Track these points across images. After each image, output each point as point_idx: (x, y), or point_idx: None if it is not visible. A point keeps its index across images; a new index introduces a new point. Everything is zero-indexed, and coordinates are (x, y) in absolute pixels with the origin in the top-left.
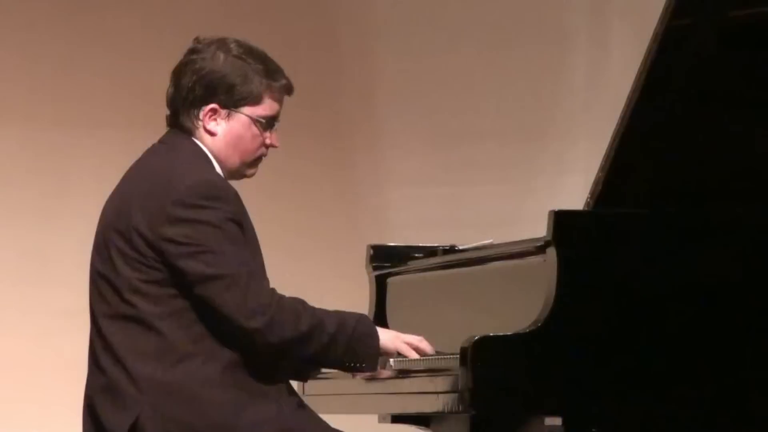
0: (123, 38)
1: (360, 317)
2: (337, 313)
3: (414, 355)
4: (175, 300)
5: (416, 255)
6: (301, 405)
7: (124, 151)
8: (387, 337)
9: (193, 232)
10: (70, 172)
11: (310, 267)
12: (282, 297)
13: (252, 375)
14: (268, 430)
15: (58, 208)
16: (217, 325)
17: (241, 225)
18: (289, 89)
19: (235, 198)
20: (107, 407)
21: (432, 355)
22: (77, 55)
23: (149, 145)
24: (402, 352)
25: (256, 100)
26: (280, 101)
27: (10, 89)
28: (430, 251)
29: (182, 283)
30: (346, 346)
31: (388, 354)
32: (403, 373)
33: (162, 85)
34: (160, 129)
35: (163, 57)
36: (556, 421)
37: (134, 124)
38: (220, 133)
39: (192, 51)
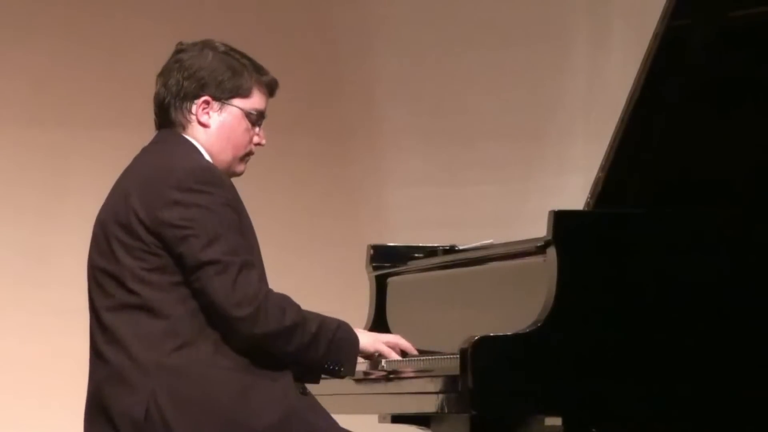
0: (123, 38)
1: (341, 323)
2: (319, 315)
3: (394, 356)
4: (179, 287)
5: (416, 255)
6: (305, 392)
7: (124, 151)
8: (366, 340)
9: (189, 215)
10: (70, 171)
11: (310, 267)
12: (270, 290)
13: (260, 359)
14: (275, 412)
15: (58, 208)
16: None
17: (237, 212)
18: (274, 85)
19: (232, 186)
20: (116, 395)
21: (414, 354)
22: (77, 55)
23: (137, 153)
24: (382, 353)
25: (246, 93)
26: (267, 96)
27: (9, 89)
28: (430, 251)
29: (183, 269)
30: (327, 348)
31: (367, 356)
32: (398, 374)
33: None
34: None
35: (163, 57)
36: (556, 420)
37: (134, 124)
38: (214, 125)
39: (177, 52)
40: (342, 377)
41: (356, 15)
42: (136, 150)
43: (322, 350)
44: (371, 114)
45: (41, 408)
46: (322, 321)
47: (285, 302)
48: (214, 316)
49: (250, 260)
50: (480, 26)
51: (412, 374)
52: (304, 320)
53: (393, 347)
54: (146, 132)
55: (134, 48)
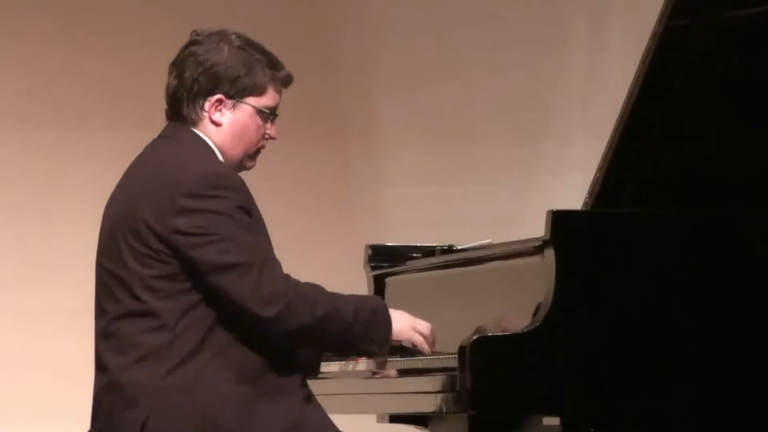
0: (122, 38)
1: (375, 306)
2: (355, 298)
3: (427, 348)
4: (187, 295)
5: (414, 255)
6: (309, 400)
7: (122, 152)
8: (400, 327)
9: (204, 222)
10: (68, 172)
11: (309, 267)
12: (298, 283)
13: (263, 370)
14: (278, 428)
15: (56, 209)
16: (230, 318)
17: (250, 212)
18: (289, 80)
19: (243, 186)
20: (114, 407)
21: (430, 354)
22: (76, 55)
23: (147, 145)
24: (415, 343)
25: (260, 91)
26: (280, 92)
27: (8, 90)
28: (429, 251)
29: (195, 276)
30: (362, 333)
31: (399, 340)
32: (401, 373)
33: (161, 85)
34: (158, 129)
35: (162, 57)
36: (554, 420)
37: (133, 125)
38: (226, 123)
39: (192, 43)
40: (374, 356)
41: (355, 13)
42: (133, 150)
43: (357, 336)
44: (370, 113)
45: (41, 408)
46: (357, 306)
47: (315, 292)
48: (240, 319)
49: (271, 256)
50: (479, 26)
51: (410, 374)
52: (337, 309)
53: (426, 338)
54: (145, 132)
55: (133, 48)
